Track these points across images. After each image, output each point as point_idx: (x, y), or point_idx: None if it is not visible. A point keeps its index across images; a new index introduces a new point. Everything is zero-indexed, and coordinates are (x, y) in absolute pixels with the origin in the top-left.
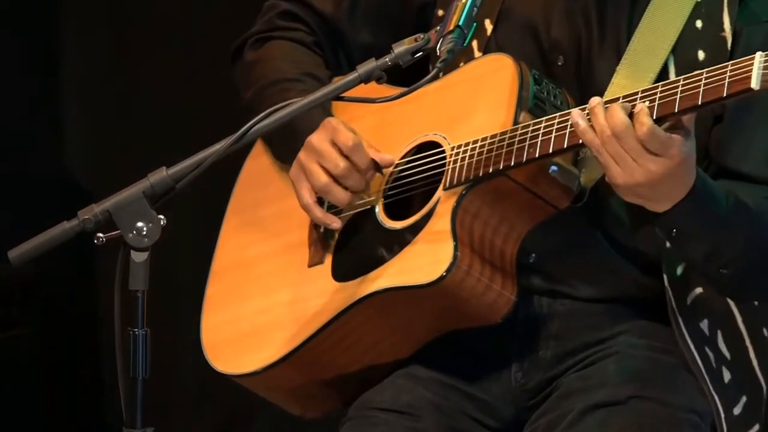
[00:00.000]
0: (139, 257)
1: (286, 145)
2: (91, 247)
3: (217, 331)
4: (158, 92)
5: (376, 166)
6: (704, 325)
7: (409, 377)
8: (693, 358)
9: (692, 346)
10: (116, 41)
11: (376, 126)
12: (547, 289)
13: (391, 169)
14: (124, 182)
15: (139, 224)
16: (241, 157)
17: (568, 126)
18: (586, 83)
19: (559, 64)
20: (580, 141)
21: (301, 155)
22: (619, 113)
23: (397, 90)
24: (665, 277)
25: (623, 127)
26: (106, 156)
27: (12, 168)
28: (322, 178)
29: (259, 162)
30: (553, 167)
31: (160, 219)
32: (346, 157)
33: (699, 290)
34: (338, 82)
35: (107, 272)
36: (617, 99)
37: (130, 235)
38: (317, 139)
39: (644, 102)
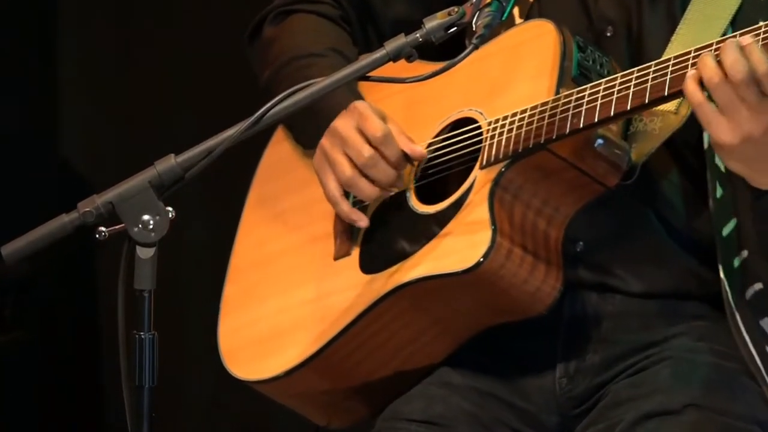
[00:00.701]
0: (145, 253)
1: (308, 130)
2: (92, 243)
3: (236, 335)
4: (163, 81)
5: (407, 158)
6: (765, 323)
7: (442, 385)
8: (752, 358)
9: (750, 345)
10: (116, 31)
11: (405, 104)
12: (596, 283)
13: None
14: (126, 174)
15: (145, 217)
16: (259, 144)
17: (615, 92)
18: (637, 56)
19: (608, 35)
20: (628, 107)
21: (325, 142)
22: (733, 52)
23: (429, 67)
24: (720, 268)
25: (740, 66)
26: (107, 148)
27: (7, 163)
28: (347, 170)
29: (280, 148)
30: (600, 140)
31: (169, 211)
32: (374, 147)
33: (759, 286)
34: (365, 60)
35: (110, 270)
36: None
37: (135, 229)
38: (342, 124)
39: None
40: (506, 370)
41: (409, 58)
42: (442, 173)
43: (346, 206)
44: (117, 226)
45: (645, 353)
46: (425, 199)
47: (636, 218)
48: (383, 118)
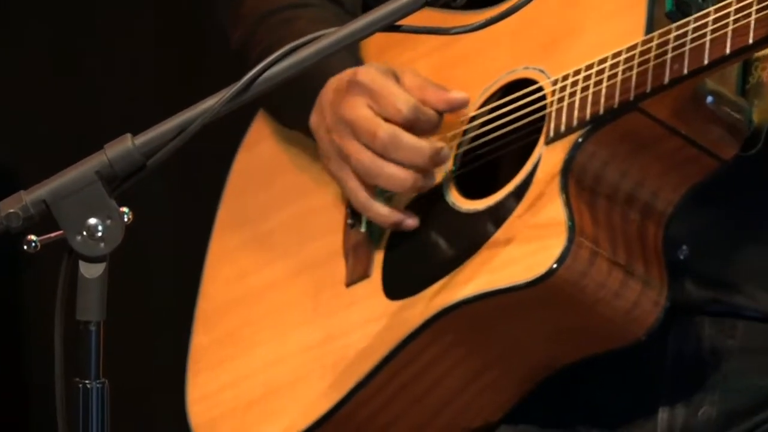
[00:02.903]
0: (91, 271)
1: (295, 105)
2: (18, 257)
3: (213, 401)
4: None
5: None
6: None
7: None
8: None
9: None
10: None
11: (434, 71)
12: (709, 303)
13: (462, 127)
14: (65, 163)
15: (92, 221)
16: (244, 121)
17: (730, 22)
18: None
19: None
20: (750, 41)
21: (335, 137)
22: None
23: (471, 16)
24: None
25: None
26: (37, 129)
27: None
28: (365, 156)
29: (257, 152)
30: (710, 97)
31: (124, 213)
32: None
33: None
34: (389, 5)
35: (43, 294)
36: None
37: (79, 237)
38: (350, 109)
39: None
40: (591, 426)
41: (455, 1)
42: (490, 156)
43: (381, 207)
44: (53, 234)
45: None
46: (469, 192)
47: (763, 207)
48: (395, 75)
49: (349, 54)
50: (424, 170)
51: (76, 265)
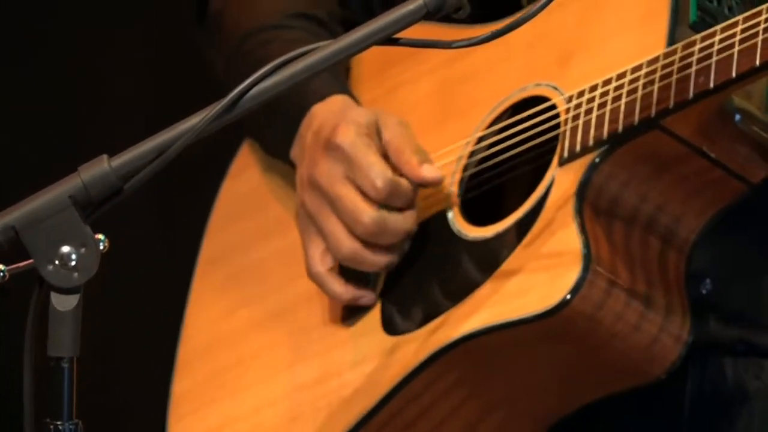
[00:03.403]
0: (64, 303)
1: (283, 136)
2: None
3: None
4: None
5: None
6: None
7: None
8: None
9: None
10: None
11: (438, 89)
12: (734, 341)
13: (469, 149)
14: (37, 186)
15: (65, 249)
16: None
17: (761, 31)
18: None
19: None
20: None
21: (307, 199)
22: None
23: (475, 30)
24: None
25: None
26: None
27: None
28: (345, 243)
29: (243, 181)
30: (738, 115)
31: (99, 241)
32: (376, 204)
33: None
34: (389, 15)
35: (10, 329)
36: None
37: (50, 267)
38: (325, 173)
39: None
40: None
41: (458, 12)
42: (499, 179)
43: (336, 285)
44: (22, 264)
45: None
46: (475, 218)
47: None
48: (378, 126)
49: (332, 76)
50: (402, 245)
51: (47, 297)
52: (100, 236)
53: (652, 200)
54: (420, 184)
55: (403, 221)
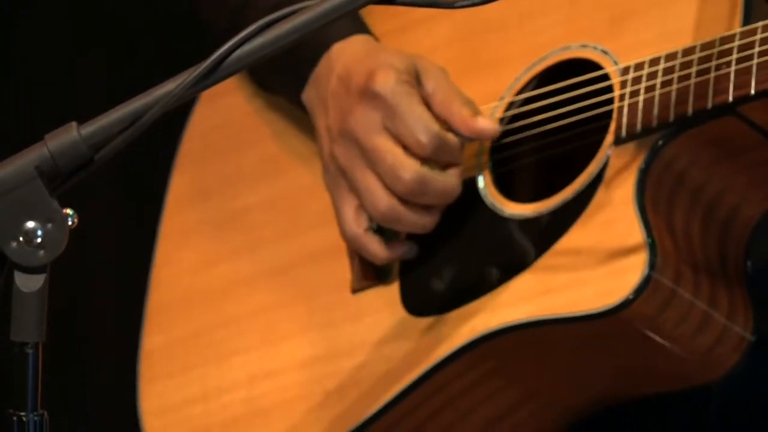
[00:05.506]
0: (29, 283)
1: (293, 79)
2: None
3: (175, 417)
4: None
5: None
6: None
7: None
8: None
9: None
10: None
11: (459, 36)
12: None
13: (499, 112)
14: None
15: (30, 225)
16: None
17: None
18: None
19: None
20: None
21: (339, 151)
22: None
23: None
24: None
25: None
26: None
27: None
28: (382, 199)
29: (222, 107)
30: None
31: (68, 216)
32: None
33: None
34: None
35: None
36: None
37: (14, 243)
38: (359, 122)
39: None
40: None
41: None
42: (539, 153)
43: (374, 244)
44: None
45: None
46: (510, 192)
47: None
48: (418, 74)
49: (353, 21)
50: (443, 205)
51: (10, 277)
52: (69, 211)
53: (713, 187)
54: (471, 139)
55: (447, 180)
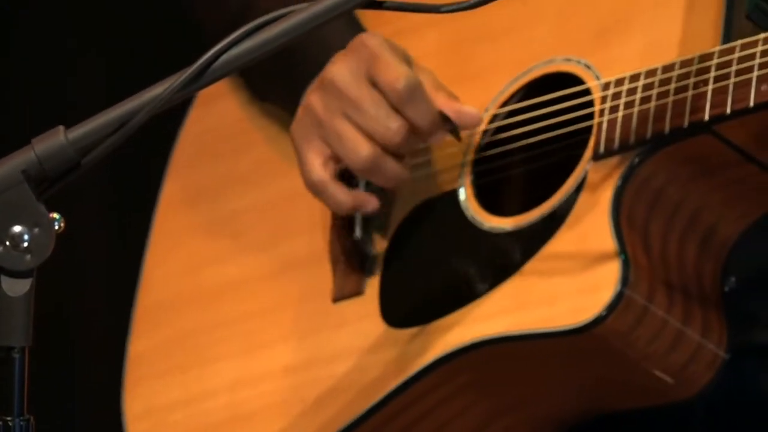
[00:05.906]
0: (15, 288)
1: (280, 85)
2: None
3: (158, 420)
4: None
5: (450, 127)
6: None
7: None
8: None
9: None
10: None
11: (447, 46)
12: (758, 344)
13: (481, 127)
14: None
15: (16, 229)
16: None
17: None
18: None
19: None
20: None
21: (314, 100)
22: None
23: None
24: None
25: None
26: None
27: None
28: (363, 148)
29: (216, 111)
30: None
31: (54, 220)
32: (395, 107)
33: None
34: None
35: None
36: None
37: (0, 248)
38: (342, 72)
39: None
40: None
41: None
42: (520, 166)
43: (340, 191)
44: None
45: None
46: (491, 206)
47: None
48: (407, 61)
49: (350, 22)
50: (422, 135)
51: None
52: (55, 215)
53: (690, 204)
54: (454, 119)
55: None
